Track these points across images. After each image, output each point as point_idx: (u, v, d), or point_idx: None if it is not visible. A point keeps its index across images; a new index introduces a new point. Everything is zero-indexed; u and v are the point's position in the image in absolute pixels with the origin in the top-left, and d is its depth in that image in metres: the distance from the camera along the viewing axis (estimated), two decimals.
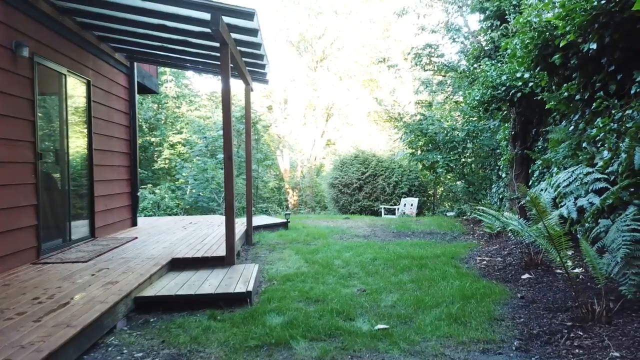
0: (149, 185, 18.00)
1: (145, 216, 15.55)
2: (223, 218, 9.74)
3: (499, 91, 7.12)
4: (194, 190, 17.89)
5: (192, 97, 24.50)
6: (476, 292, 3.89)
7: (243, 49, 6.26)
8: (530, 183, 7.62)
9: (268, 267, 5.50)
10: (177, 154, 21.23)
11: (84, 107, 6.41)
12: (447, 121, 11.33)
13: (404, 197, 15.06)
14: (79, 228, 6.19)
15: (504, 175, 8.69)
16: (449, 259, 5.53)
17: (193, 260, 5.04)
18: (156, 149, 21.59)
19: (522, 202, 6.95)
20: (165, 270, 4.75)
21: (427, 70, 15.50)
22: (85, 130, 6.45)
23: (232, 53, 5.68)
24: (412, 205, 14.30)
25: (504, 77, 6.98)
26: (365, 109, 24.58)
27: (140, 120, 20.60)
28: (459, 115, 12.18)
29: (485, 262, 5.27)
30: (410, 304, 3.72)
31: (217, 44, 5.32)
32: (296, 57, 24.30)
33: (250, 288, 3.97)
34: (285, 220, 8.98)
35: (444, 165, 10.26)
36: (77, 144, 6.21)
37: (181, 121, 22.63)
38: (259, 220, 9.20)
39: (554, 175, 6.05)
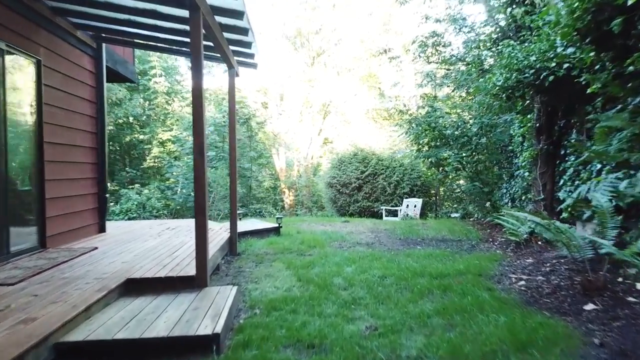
0: (137, 185, 16.96)
1: (128, 218, 14.49)
2: (208, 221, 8.64)
3: (526, 74, 6.06)
4: (184, 190, 16.84)
5: (184, 93, 23.43)
6: (534, 335, 2.81)
7: (223, 21, 5.18)
8: (561, 183, 6.57)
9: (251, 287, 4.42)
10: (167, 152, 20.15)
11: (31, 91, 5.30)
12: (457, 114, 10.26)
13: (406, 198, 14.04)
14: (24, 237, 5.09)
15: (526, 174, 7.64)
16: (476, 276, 4.46)
17: (154, 281, 3.94)
18: (145, 146, 20.52)
19: (564, 205, 5.87)
20: (114, 296, 3.66)
21: (430, 62, 14.47)
22: (34, 119, 5.34)
23: (208, 23, 4.61)
24: (415, 206, 13.28)
25: (532, 58, 5.92)
26: (364, 106, 23.56)
27: (129, 116, 19.53)
28: (463, 110, 11.16)
29: (523, 282, 4.20)
30: (444, 356, 2.64)
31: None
32: (292, 52, 23.20)
33: (219, 328, 2.88)
34: (277, 225, 7.89)
35: (455, 162, 9.19)
36: (21, 135, 5.11)
37: (171, 117, 21.52)
38: (247, 224, 8.11)
39: (602, 173, 5.01)
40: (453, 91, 13.77)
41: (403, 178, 14.49)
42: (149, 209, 15.60)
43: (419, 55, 14.09)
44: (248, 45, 5.99)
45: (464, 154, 8.92)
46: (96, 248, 5.51)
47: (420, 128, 9.53)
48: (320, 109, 24.01)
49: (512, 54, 6.25)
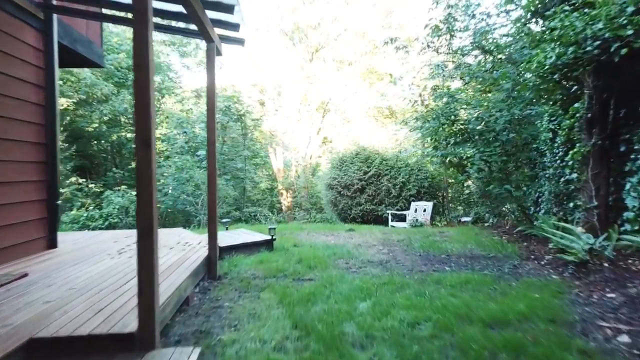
0: (124, 187, 15.69)
1: (109, 225, 13.18)
2: (187, 233, 7.22)
3: (588, 48, 4.72)
4: (173, 192, 15.65)
5: (175, 89, 22.20)
6: None
7: None
8: (627, 187, 5.22)
9: (227, 339, 3.06)
10: (157, 152, 18.88)
11: None
12: (480, 106, 8.91)
13: (414, 201, 12.72)
14: None
15: (574, 176, 6.28)
16: (550, 324, 3.11)
17: (72, 341, 2.58)
18: (133, 145, 19.25)
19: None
20: None
21: (440, 53, 13.16)
22: None
23: None
24: (424, 210, 11.97)
25: (598, 26, 4.58)
26: (365, 104, 22.23)
27: (117, 113, 18.25)
28: (472, 106, 9.88)
29: (626, 336, 2.86)
30: None
31: None
32: (291, 48, 21.85)
33: None
34: (269, 237, 6.51)
35: (479, 162, 7.84)
36: None
37: (160, 114, 20.24)
38: (233, 237, 6.71)
39: None
40: (466, 84, 12.47)
41: (409, 179, 13.19)
42: (132, 213, 14.26)
43: (428, 45, 12.78)
44: (230, 9, 4.61)
45: (491, 152, 7.56)
46: (26, 275, 4.14)
47: (437, 122, 8.18)
48: (319, 106, 22.70)
49: (567, 23, 4.91)
